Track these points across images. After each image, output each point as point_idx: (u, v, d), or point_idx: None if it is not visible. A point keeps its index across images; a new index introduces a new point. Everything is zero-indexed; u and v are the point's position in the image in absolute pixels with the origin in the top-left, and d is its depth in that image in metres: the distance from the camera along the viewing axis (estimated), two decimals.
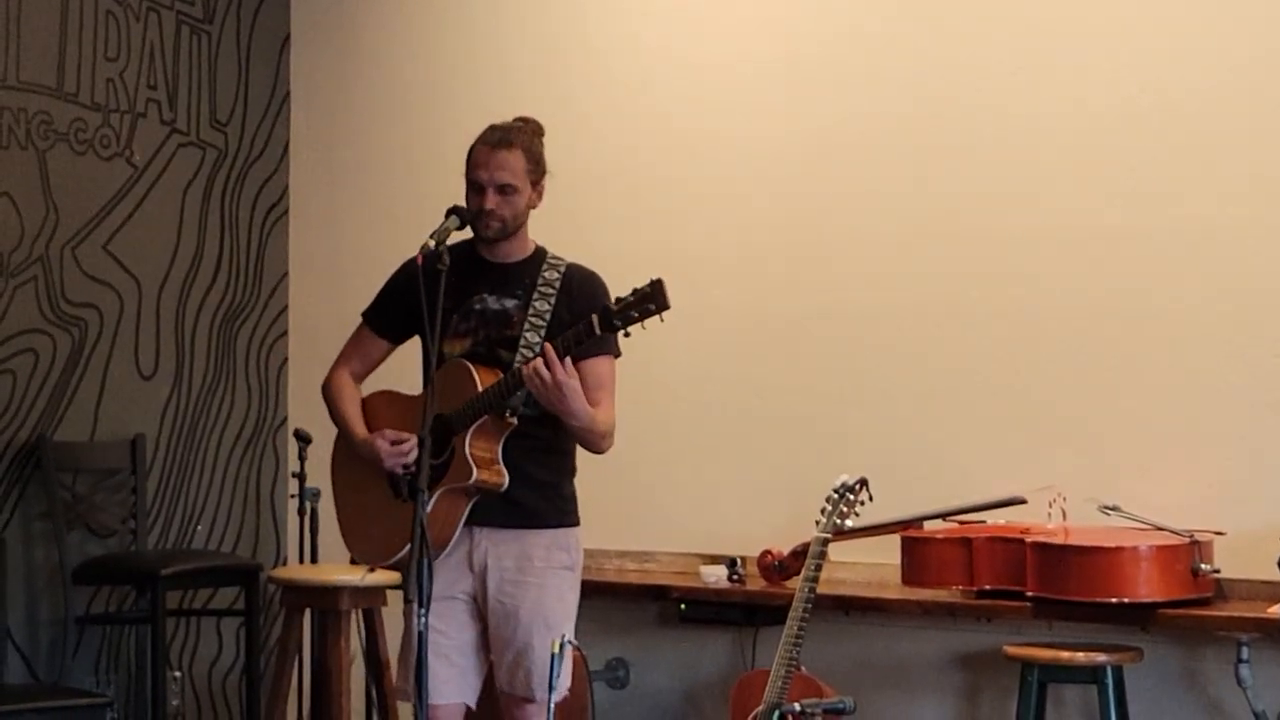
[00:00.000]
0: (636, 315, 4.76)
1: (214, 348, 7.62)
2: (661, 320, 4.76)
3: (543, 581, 5.04)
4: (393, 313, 5.20)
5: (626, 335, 4.81)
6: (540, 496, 5.07)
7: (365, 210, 7.59)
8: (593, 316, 4.82)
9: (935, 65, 6.39)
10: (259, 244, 7.76)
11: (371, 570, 5.34)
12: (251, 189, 7.75)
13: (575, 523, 5.16)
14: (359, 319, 5.32)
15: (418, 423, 4.90)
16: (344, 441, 5.28)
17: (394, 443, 5.05)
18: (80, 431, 7.22)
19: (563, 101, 7.02)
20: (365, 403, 5.25)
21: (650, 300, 4.75)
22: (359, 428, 5.18)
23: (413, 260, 5.06)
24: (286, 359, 7.79)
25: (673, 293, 4.78)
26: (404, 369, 5.30)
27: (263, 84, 7.79)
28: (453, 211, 4.99)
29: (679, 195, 6.86)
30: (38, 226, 7.10)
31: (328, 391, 5.30)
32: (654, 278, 4.77)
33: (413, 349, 5.22)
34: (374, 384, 5.33)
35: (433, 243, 4.86)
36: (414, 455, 4.93)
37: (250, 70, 7.76)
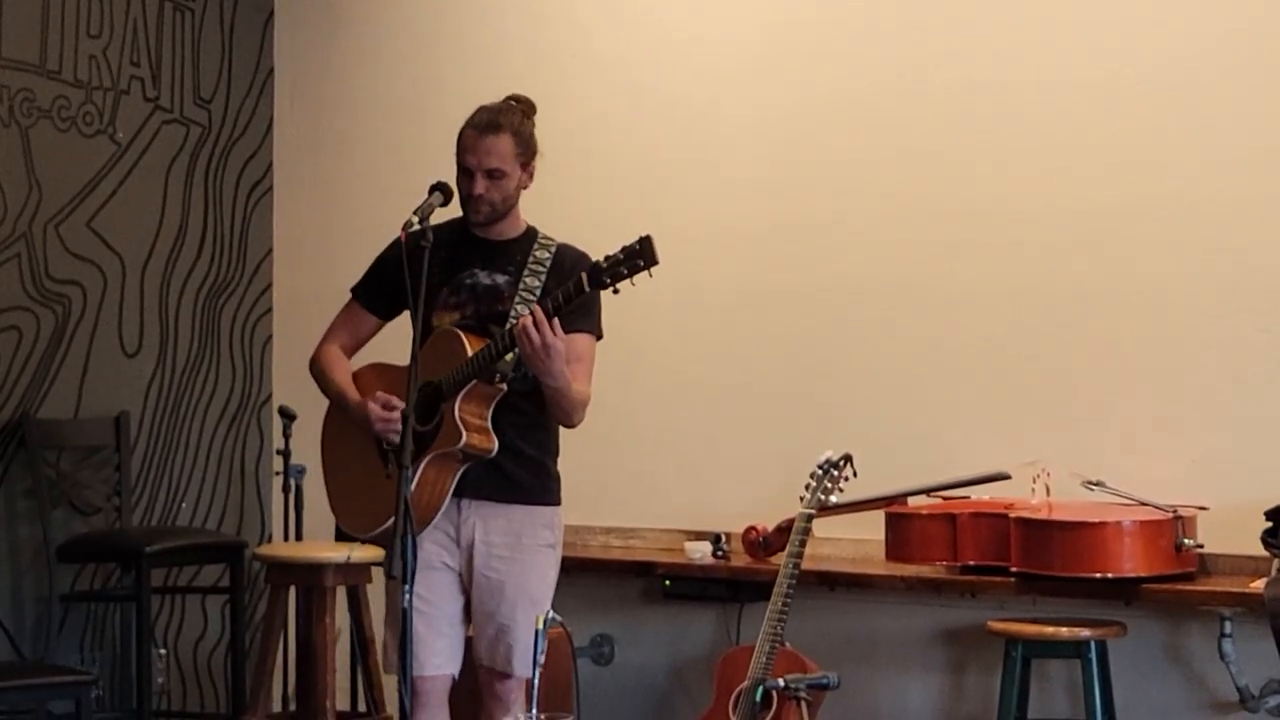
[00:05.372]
0: (625, 272, 4.77)
1: (198, 325, 7.61)
2: (650, 276, 4.76)
3: (529, 559, 5.06)
4: (382, 289, 5.19)
5: (616, 292, 4.80)
6: (529, 472, 5.08)
7: (349, 186, 7.57)
8: (582, 274, 4.83)
9: (921, 40, 6.39)
10: (243, 221, 7.74)
11: (358, 542, 5.33)
12: (235, 166, 7.73)
13: (559, 502, 5.18)
14: (348, 295, 5.32)
15: (405, 392, 4.92)
16: (335, 413, 5.28)
17: (385, 406, 5.02)
18: (64, 409, 7.21)
19: (549, 76, 7.00)
20: (355, 376, 5.24)
21: (639, 257, 4.76)
22: (352, 393, 5.15)
23: (400, 238, 5.09)
24: (271, 336, 7.78)
25: (659, 268, 4.79)
26: (392, 341, 5.29)
27: (246, 61, 7.77)
28: (436, 188, 5.00)
29: (665, 170, 6.86)
30: (20, 204, 7.08)
31: (317, 364, 5.28)
32: (643, 234, 4.77)
33: (403, 322, 5.21)
34: (364, 358, 5.32)
35: (416, 219, 4.86)
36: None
37: (234, 47, 7.73)
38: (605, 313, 5.07)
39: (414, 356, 4.75)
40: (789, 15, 6.64)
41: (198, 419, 7.61)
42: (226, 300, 7.69)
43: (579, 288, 4.83)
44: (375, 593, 6.43)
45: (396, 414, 4.97)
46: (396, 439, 4.96)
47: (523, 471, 5.07)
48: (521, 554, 5.05)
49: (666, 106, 6.87)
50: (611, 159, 6.97)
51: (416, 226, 4.85)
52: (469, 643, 5.14)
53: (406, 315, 5.16)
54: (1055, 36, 6.15)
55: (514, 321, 4.94)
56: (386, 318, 5.28)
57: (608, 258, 4.80)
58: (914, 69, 6.38)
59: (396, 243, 5.14)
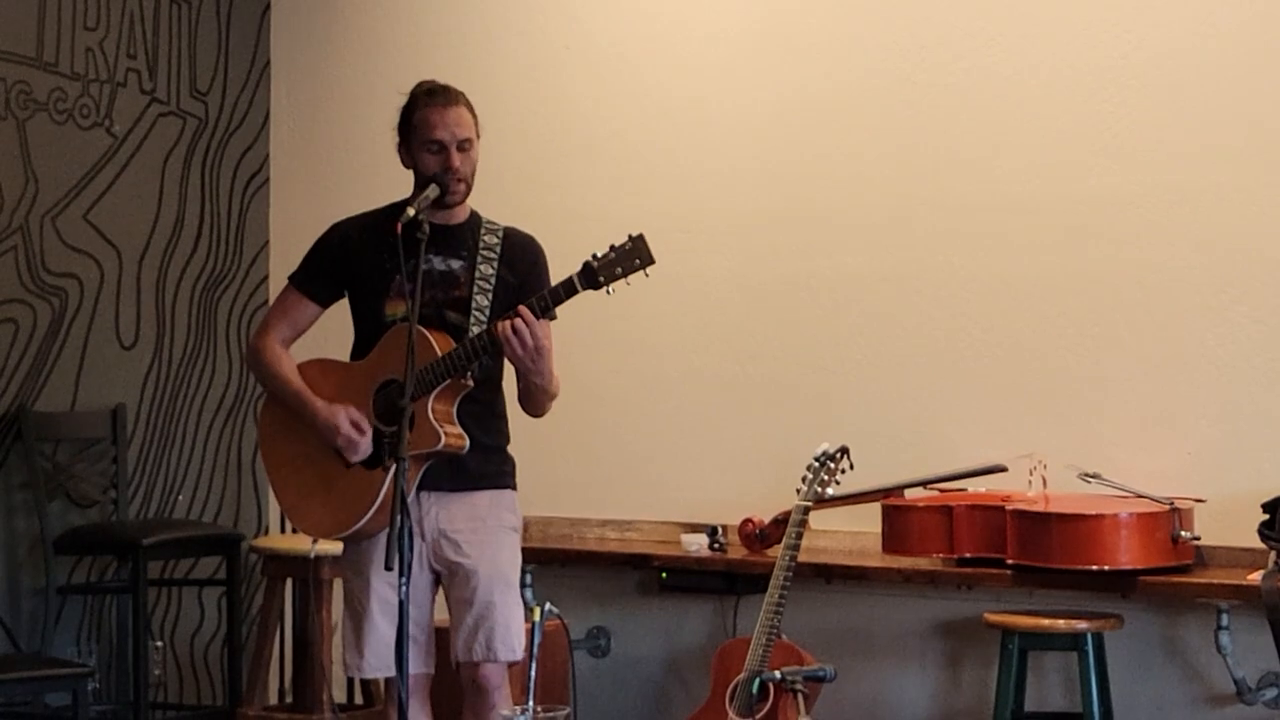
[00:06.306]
0: (620, 271, 4.75)
1: (194, 317, 7.60)
2: (646, 275, 4.74)
3: (497, 540, 5.04)
4: (324, 276, 5.17)
5: (609, 293, 4.78)
6: (486, 459, 5.07)
7: (346, 179, 7.55)
8: (573, 274, 4.80)
9: (920, 29, 6.37)
10: (239, 213, 7.74)
11: (315, 542, 5.30)
12: (232, 158, 7.73)
13: (516, 486, 5.17)
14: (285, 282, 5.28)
15: (362, 391, 4.97)
16: (275, 408, 5.19)
17: (357, 427, 4.95)
18: (61, 401, 7.20)
19: (546, 68, 7.01)
20: (300, 371, 5.17)
21: (635, 255, 4.74)
22: (315, 399, 5.06)
23: (340, 223, 5.17)
24: None
25: (656, 260, 4.78)
26: (328, 334, 5.29)
27: (243, 53, 7.76)
28: (432, 180, 4.98)
29: (662, 162, 6.84)
30: (17, 196, 7.08)
31: (261, 359, 5.18)
32: (634, 233, 4.75)
33: (339, 316, 5.20)
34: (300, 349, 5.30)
35: (412, 211, 4.84)
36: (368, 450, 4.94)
37: (230, 39, 7.73)
38: (597, 305, 5.04)
39: (410, 349, 4.70)
40: (784, 6, 6.63)
41: (194, 411, 7.61)
42: (223, 292, 7.69)
43: (569, 288, 4.80)
44: None
45: (365, 440, 4.95)
46: (357, 460, 4.96)
47: (481, 459, 5.04)
48: (488, 535, 5.03)
49: (662, 99, 6.85)
50: (607, 152, 6.95)
51: (412, 218, 4.84)
52: (446, 643, 5.08)
53: (344, 307, 5.18)
54: (1051, 27, 6.14)
55: (477, 319, 4.92)
56: (326, 305, 5.23)
57: (598, 256, 4.77)
58: (910, 59, 6.37)
59: (335, 228, 5.19)
